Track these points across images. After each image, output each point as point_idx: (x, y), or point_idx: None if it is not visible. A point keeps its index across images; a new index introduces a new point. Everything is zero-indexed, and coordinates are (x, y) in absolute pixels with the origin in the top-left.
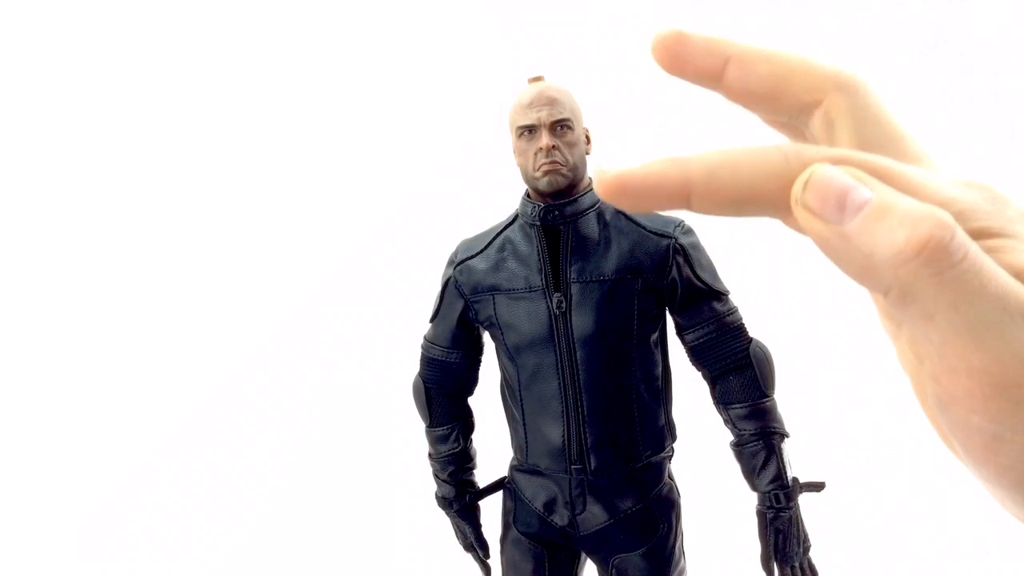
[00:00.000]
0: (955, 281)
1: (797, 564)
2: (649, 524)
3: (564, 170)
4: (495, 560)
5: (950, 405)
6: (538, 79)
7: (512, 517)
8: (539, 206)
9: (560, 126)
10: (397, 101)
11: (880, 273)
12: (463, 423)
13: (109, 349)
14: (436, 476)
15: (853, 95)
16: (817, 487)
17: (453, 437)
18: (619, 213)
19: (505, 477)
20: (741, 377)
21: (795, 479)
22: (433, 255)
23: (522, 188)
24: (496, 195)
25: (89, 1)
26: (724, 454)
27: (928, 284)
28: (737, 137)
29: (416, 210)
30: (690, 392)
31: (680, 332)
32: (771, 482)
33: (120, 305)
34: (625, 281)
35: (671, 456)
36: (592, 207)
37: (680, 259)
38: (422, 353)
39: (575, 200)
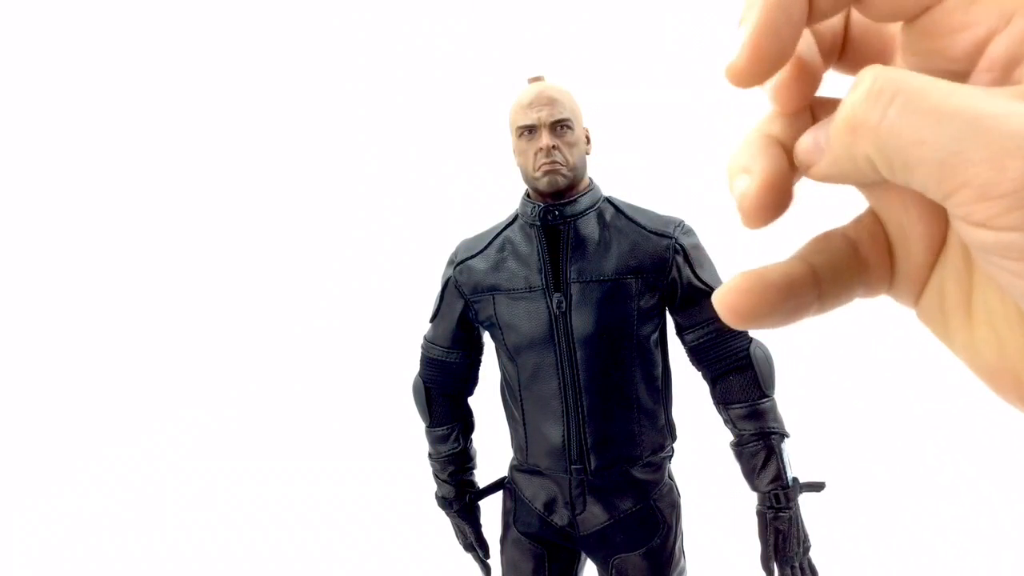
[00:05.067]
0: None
1: (797, 564)
2: (649, 524)
3: (564, 170)
4: (495, 560)
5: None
6: (538, 79)
7: (512, 517)
8: (539, 206)
9: (560, 126)
10: (397, 102)
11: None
12: (463, 423)
13: (110, 351)
14: (436, 476)
15: None
16: (817, 487)
17: (453, 437)
18: (619, 213)
19: (505, 477)
20: (741, 377)
21: (795, 479)
22: (433, 255)
23: (522, 188)
24: (496, 195)
25: (90, 4)
26: (724, 454)
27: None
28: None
29: (416, 210)
30: (690, 392)
31: (680, 332)
32: (771, 482)
33: (121, 306)
34: (625, 281)
35: (671, 456)
36: (592, 207)
37: (680, 259)
38: (422, 353)
39: (575, 200)
